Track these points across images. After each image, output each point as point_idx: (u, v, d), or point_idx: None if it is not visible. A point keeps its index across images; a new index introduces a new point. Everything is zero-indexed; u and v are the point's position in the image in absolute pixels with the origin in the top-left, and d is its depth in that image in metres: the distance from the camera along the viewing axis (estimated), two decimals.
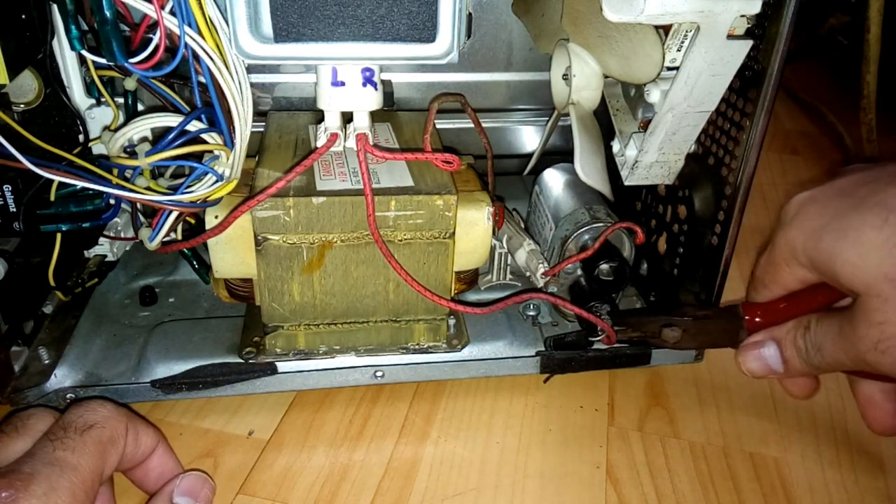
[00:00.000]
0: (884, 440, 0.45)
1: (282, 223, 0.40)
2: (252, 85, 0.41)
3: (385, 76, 0.42)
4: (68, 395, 0.42)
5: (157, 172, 0.44)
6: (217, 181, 0.41)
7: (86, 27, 0.41)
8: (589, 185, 0.44)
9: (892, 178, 0.36)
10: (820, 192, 0.40)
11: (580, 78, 0.45)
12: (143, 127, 0.43)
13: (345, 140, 0.43)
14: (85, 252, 0.50)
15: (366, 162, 0.39)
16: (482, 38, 0.55)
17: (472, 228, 0.42)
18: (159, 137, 0.41)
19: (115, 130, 0.44)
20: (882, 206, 0.35)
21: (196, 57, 0.38)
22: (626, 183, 0.47)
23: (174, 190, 0.41)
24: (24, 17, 0.39)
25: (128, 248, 0.54)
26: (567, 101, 0.46)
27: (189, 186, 0.41)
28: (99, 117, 0.48)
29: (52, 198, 0.43)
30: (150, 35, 0.38)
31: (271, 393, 0.45)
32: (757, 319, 0.43)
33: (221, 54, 0.39)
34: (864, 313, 0.36)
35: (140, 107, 0.49)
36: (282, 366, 0.44)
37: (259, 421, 0.44)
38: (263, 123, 0.49)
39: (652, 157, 0.45)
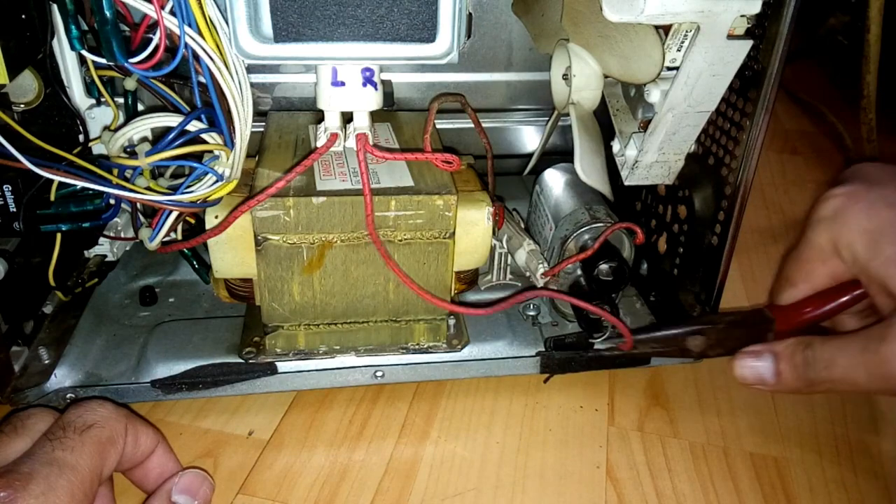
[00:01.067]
0: (883, 440, 0.45)
1: (282, 223, 0.40)
2: (252, 85, 0.41)
3: (385, 76, 0.42)
4: (68, 395, 0.42)
5: (157, 172, 0.44)
6: (217, 181, 0.41)
7: (86, 27, 0.41)
8: (589, 185, 0.44)
9: None
10: (860, 192, 0.41)
11: (580, 78, 0.45)
12: (143, 127, 0.43)
13: (345, 140, 0.43)
14: (85, 252, 0.50)
15: (365, 162, 0.39)
16: (482, 38, 0.55)
17: (472, 228, 0.42)
18: (159, 137, 0.41)
19: (115, 130, 0.44)
20: None
21: (196, 57, 0.38)
22: (626, 183, 0.47)
23: (174, 190, 0.41)
24: (24, 17, 0.39)
25: (128, 248, 0.54)
26: (567, 101, 0.46)
27: (189, 186, 0.41)
28: (99, 117, 0.48)
29: (52, 198, 0.43)
30: (150, 35, 0.38)
31: (271, 393, 0.45)
32: (802, 315, 0.43)
33: (221, 54, 0.39)
34: None
35: (140, 107, 0.49)
36: (282, 366, 0.44)
37: (259, 421, 0.44)
38: (263, 123, 0.49)
39: (652, 157, 0.45)
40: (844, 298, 0.42)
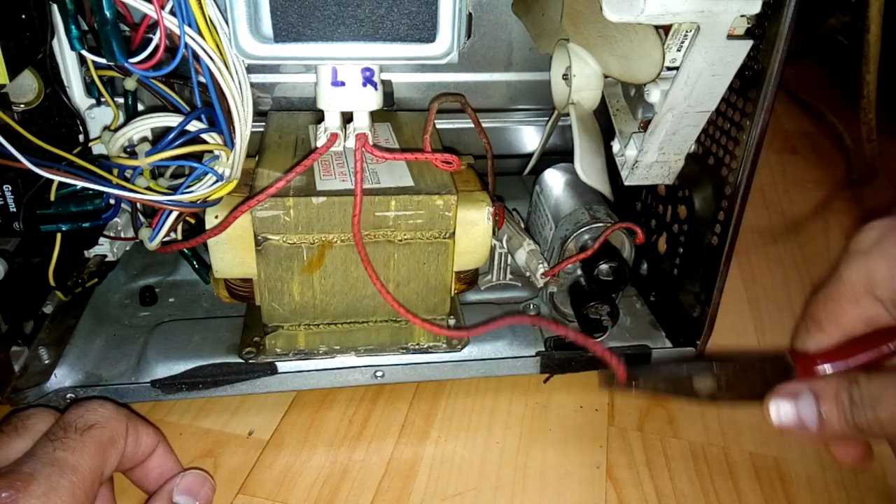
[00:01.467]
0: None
1: (282, 223, 0.40)
2: (252, 85, 0.41)
3: (385, 76, 0.42)
4: (68, 395, 0.42)
5: (157, 172, 0.44)
6: (217, 181, 0.41)
7: (86, 27, 0.41)
8: (589, 185, 0.44)
9: None
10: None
11: (580, 78, 0.45)
12: (143, 127, 0.43)
13: (345, 140, 0.43)
14: (85, 252, 0.50)
15: (361, 161, 0.39)
16: (482, 38, 0.55)
17: (472, 228, 0.42)
18: (159, 137, 0.41)
19: (115, 130, 0.44)
20: None
21: (196, 57, 0.38)
22: (626, 183, 0.47)
23: (174, 190, 0.41)
24: (24, 17, 0.39)
25: (128, 248, 0.54)
26: (567, 101, 0.46)
27: (189, 186, 0.41)
28: (99, 117, 0.48)
29: (52, 198, 0.43)
30: (150, 35, 0.38)
31: (271, 393, 0.45)
32: (817, 367, 0.36)
33: (221, 54, 0.39)
34: None
35: (140, 107, 0.49)
36: (282, 366, 0.44)
37: (259, 421, 0.44)
38: (263, 123, 0.49)
39: (652, 157, 0.45)
40: (882, 348, 0.35)
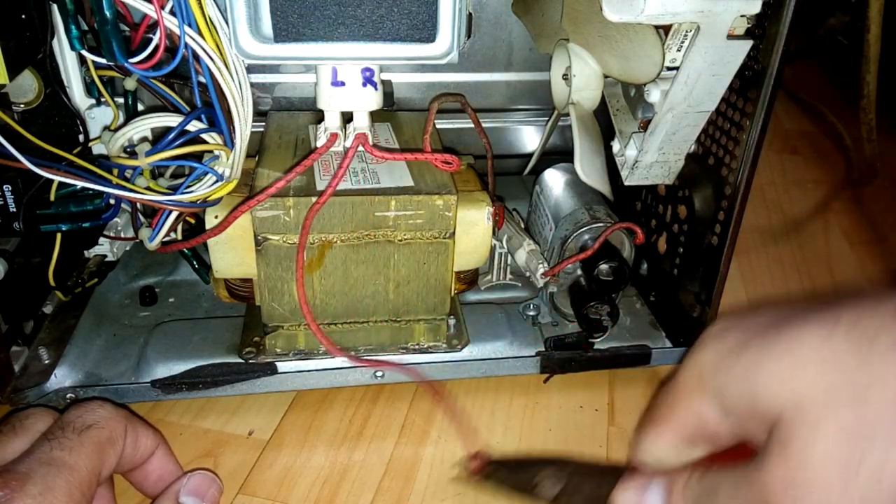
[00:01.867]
0: None
1: (282, 223, 0.40)
2: (252, 85, 0.41)
3: (385, 76, 0.42)
4: (68, 395, 0.42)
5: (157, 172, 0.44)
6: (217, 181, 0.41)
7: (86, 27, 0.41)
8: (589, 185, 0.44)
9: (836, 302, 0.29)
10: (742, 318, 0.33)
11: (580, 78, 0.45)
12: (143, 127, 0.43)
13: (345, 140, 0.43)
14: (85, 252, 0.50)
15: (349, 160, 0.39)
16: (482, 38, 0.55)
17: (472, 228, 0.42)
18: (159, 137, 0.41)
19: (115, 130, 0.44)
20: (831, 317, 0.27)
21: (196, 57, 0.38)
22: (626, 183, 0.47)
23: (174, 190, 0.41)
24: (24, 17, 0.39)
25: (128, 248, 0.54)
26: (567, 101, 0.46)
27: (189, 186, 0.41)
28: (99, 117, 0.48)
29: (52, 198, 0.43)
30: (150, 35, 0.38)
31: (271, 393, 0.45)
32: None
33: (221, 54, 0.39)
34: (780, 446, 0.27)
35: (140, 107, 0.49)
36: (282, 366, 0.44)
37: (259, 421, 0.44)
38: (263, 123, 0.49)
39: (652, 157, 0.45)
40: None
